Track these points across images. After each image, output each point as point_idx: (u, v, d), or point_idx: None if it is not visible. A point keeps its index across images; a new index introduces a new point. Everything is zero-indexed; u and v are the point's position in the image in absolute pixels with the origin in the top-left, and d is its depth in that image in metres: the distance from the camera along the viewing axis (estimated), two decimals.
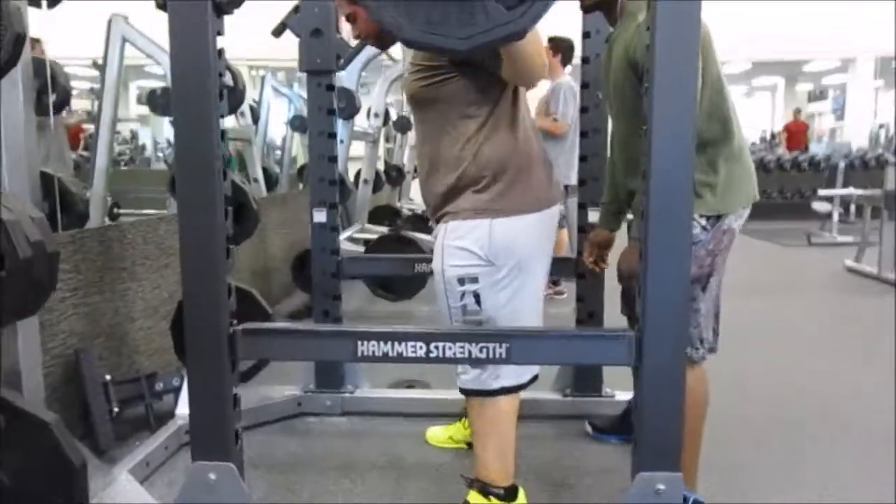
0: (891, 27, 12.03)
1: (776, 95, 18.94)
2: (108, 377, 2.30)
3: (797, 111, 13.54)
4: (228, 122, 4.75)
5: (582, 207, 2.41)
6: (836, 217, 7.28)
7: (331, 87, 2.37)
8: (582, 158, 2.40)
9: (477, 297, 1.64)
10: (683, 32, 1.23)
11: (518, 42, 1.39)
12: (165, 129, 11.48)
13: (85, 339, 2.35)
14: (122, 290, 2.61)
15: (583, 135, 2.38)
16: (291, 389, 2.61)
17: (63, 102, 2.78)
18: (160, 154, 11.90)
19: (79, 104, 9.90)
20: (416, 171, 7.53)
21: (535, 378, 1.78)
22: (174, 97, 1.34)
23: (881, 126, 13.69)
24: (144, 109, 14.85)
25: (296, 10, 2.32)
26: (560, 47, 4.23)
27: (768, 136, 16.22)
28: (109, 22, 3.94)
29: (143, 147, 12.46)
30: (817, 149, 11.32)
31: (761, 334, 3.74)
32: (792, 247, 7.14)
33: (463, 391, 1.73)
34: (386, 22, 1.12)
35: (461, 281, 1.64)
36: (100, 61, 4.03)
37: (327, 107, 2.37)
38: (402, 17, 1.11)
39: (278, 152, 6.49)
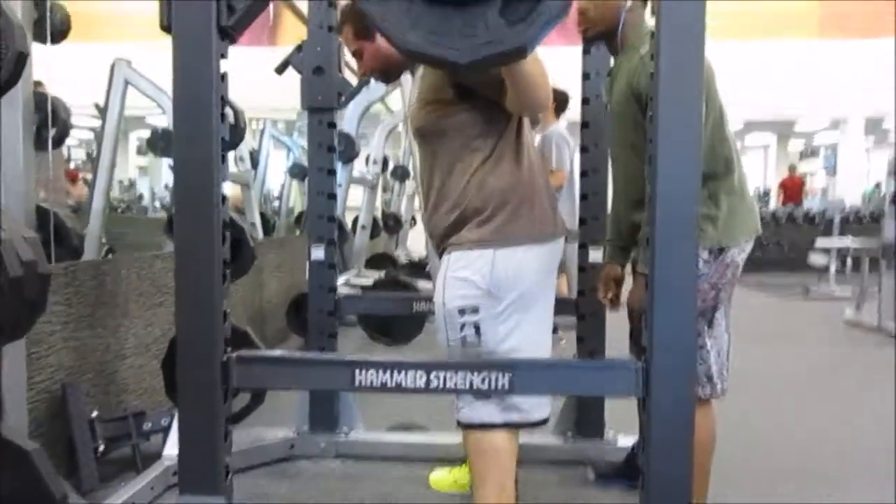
0: (880, 88, 12.32)
1: (768, 153, 19.22)
2: (94, 414, 2.23)
3: (792, 167, 13.70)
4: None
5: (583, 247, 2.39)
6: (832, 270, 7.29)
7: (332, 125, 2.38)
8: (583, 197, 2.39)
9: (477, 328, 1.59)
10: (688, 50, 1.23)
11: (521, 66, 1.40)
12: (164, 176, 11.55)
13: (73, 374, 2.29)
14: (113, 326, 2.56)
15: (583, 174, 2.38)
16: (284, 431, 2.53)
17: (62, 137, 2.78)
18: (157, 204, 11.94)
19: (77, 153, 9.98)
20: (413, 220, 7.57)
21: (544, 421, 1.69)
22: (175, 114, 1.33)
23: (876, 185, 13.85)
24: (144, 160, 15.03)
25: (298, 48, 2.34)
26: (555, 98, 4.27)
27: (761, 193, 16.39)
28: (113, 66, 3.99)
29: (141, 196, 12.50)
30: (811, 204, 11.43)
31: (763, 383, 3.67)
32: (790, 299, 7.12)
33: (462, 425, 1.66)
34: (389, 30, 1.12)
35: (461, 312, 1.59)
36: (101, 104, 4.08)
37: (328, 143, 2.37)
38: (406, 27, 1.11)
39: (276, 203, 6.51)
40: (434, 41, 1.09)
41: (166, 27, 1.39)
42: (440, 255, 1.72)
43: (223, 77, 1.39)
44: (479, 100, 1.59)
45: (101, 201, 3.99)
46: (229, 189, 1.99)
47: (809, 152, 21.03)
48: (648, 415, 1.35)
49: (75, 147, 10.07)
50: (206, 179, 1.32)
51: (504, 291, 1.59)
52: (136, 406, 2.58)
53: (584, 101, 2.35)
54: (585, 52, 2.30)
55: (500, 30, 1.08)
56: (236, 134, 2.75)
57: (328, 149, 2.37)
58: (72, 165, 8.98)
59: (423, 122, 1.67)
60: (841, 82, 12.65)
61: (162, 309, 2.87)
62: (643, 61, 1.63)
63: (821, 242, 6.93)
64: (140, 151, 14.84)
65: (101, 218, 3.96)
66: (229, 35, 1.42)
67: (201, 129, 1.34)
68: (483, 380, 1.38)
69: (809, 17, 13.11)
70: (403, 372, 1.39)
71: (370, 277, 4.60)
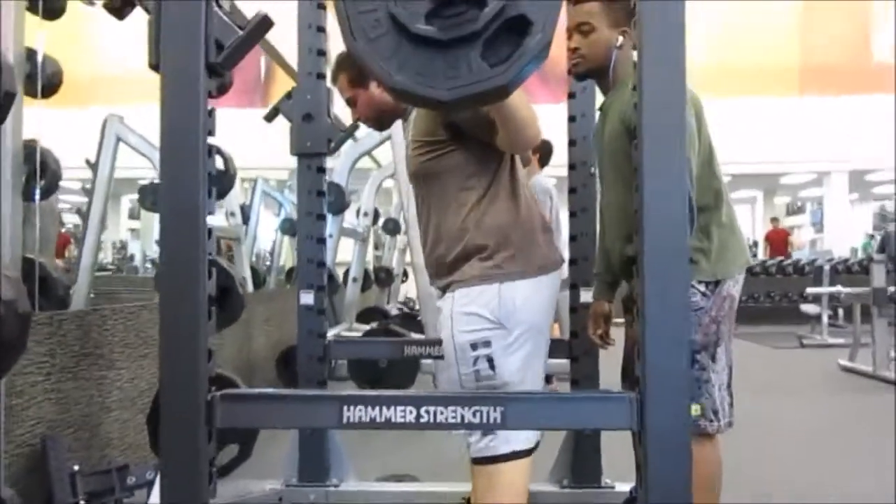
0: (861, 143, 12.60)
1: (755, 207, 19.43)
2: (76, 468, 2.15)
3: (774, 220, 13.90)
4: (218, 220, 4.83)
5: (574, 287, 2.37)
6: (825, 319, 7.28)
7: (321, 170, 2.39)
8: (572, 238, 2.39)
9: (490, 361, 1.61)
10: (670, 73, 1.25)
11: (509, 106, 1.44)
12: (155, 235, 11.55)
13: (54, 427, 2.22)
14: (98, 378, 2.50)
15: (572, 215, 2.38)
16: (272, 483, 2.45)
17: (51, 188, 2.78)
18: (148, 265, 11.90)
19: (68, 218, 9.99)
20: (405, 274, 7.55)
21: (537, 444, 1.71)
22: (163, 149, 1.33)
23: (871, 237, 14.02)
24: (136, 223, 15.08)
25: (288, 95, 2.37)
26: (539, 148, 4.29)
27: (750, 244, 16.53)
28: (105, 121, 4.04)
29: (132, 257, 12.48)
30: (800, 255, 11.51)
31: (763, 431, 3.63)
32: (784, 349, 7.09)
33: (475, 461, 1.66)
34: (378, 71, 1.16)
35: (474, 346, 1.62)
36: (93, 160, 4.10)
37: (317, 188, 2.37)
38: (394, 68, 1.16)
39: (268, 262, 6.50)
40: (420, 81, 1.14)
41: (154, 65, 1.41)
42: (442, 294, 1.75)
43: (210, 113, 1.40)
44: (471, 140, 1.65)
45: (90, 256, 3.97)
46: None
47: (796, 207, 21.30)
48: (645, 447, 1.31)
49: (64, 211, 10.09)
50: (193, 209, 1.31)
51: (513, 323, 1.61)
52: (120, 462, 2.51)
53: (571, 143, 2.37)
54: (570, 95, 2.33)
55: (483, 70, 1.12)
56: (226, 180, 2.75)
57: (318, 193, 2.37)
58: (63, 229, 8.99)
59: (418, 165, 1.72)
60: (823, 137, 12.92)
61: (148, 360, 2.81)
62: (634, 95, 1.66)
63: (812, 291, 6.94)
64: (132, 215, 14.91)
65: (89, 273, 3.94)
66: (217, 72, 1.43)
67: (189, 161, 1.33)
68: (475, 414, 1.34)
69: (790, 76, 13.50)
70: (393, 407, 1.35)
71: (361, 331, 4.55)
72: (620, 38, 1.78)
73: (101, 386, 2.52)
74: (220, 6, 1.43)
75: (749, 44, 12.71)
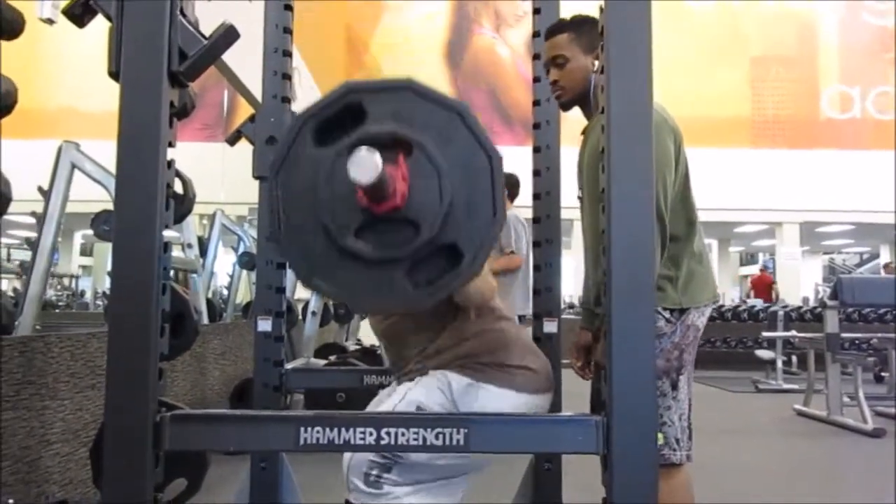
0: (813, 195, 13.03)
1: (711, 255, 19.86)
2: (10, 501, 2.02)
3: (763, 269, 14.70)
4: (174, 253, 4.72)
5: (537, 318, 2.35)
6: (780, 364, 7.38)
7: None
8: (536, 268, 2.37)
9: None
10: (636, 90, 1.25)
11: (468, 290, 1.53)
12: (107, 269, 11.26)
13: None
14: (39, 409, 2.38)
15: (536, 244, 2.37)
16: None
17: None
18: (99, 303, 11.57)
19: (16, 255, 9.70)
20: None
21: None
22: (120, 159, 1.28)
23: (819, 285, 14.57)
24: (87, 260, 14.71)
25: (251, 118, 2.33)
26: (507, 184, 4.33)
27: None
28: (60, 148, 3.93)
29: (82, 293, 12.12)
30: (754, 302, 11.74)
31: (725, 475, 3.62)
32: (741, 393, 7.15)
33: None
34: (294, 265, 1.13)
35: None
36: (45, 188, 3.97)
37: None
38: (307, 271, 1.12)
39: (224, 295, 6.36)
40: (340, 289, 1.12)
41: (114, 73, 1.37)
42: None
43: (171, 123, 1.37)
44: None
45: (38, 286, 3.81)
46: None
47: (749, 257, 21.80)
48: (611, 472, 1.28)
49: (14, 247, 9.78)
50: (150, 219, 1.26)
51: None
52: (58, 496, 2.38)
53: (536, 174, 2.36)
54: (536, 126, 2.34)
55: (405, 291, 1.10)
56: (185, 203, 2.69)
57: None
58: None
59: None
60: (776, 189, 13.33)
61: (94, 392, 2.69)
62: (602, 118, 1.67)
63: (767, 335, 7.03)
64: (84, 251, 14.56)
65: (37, 303, 3.77)
66: (180, 82, 1.40)
67: (147, 170, 1.29)
68: (437, 436, 1.30)
69: (742, 129, 13.98)
70: (352, 429, 1.30)
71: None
72: (597, 62, 1.79)
73: (43, 417, 2.40)
74: (184, 15, 1.41)
75: (703, 96, 13.15)
